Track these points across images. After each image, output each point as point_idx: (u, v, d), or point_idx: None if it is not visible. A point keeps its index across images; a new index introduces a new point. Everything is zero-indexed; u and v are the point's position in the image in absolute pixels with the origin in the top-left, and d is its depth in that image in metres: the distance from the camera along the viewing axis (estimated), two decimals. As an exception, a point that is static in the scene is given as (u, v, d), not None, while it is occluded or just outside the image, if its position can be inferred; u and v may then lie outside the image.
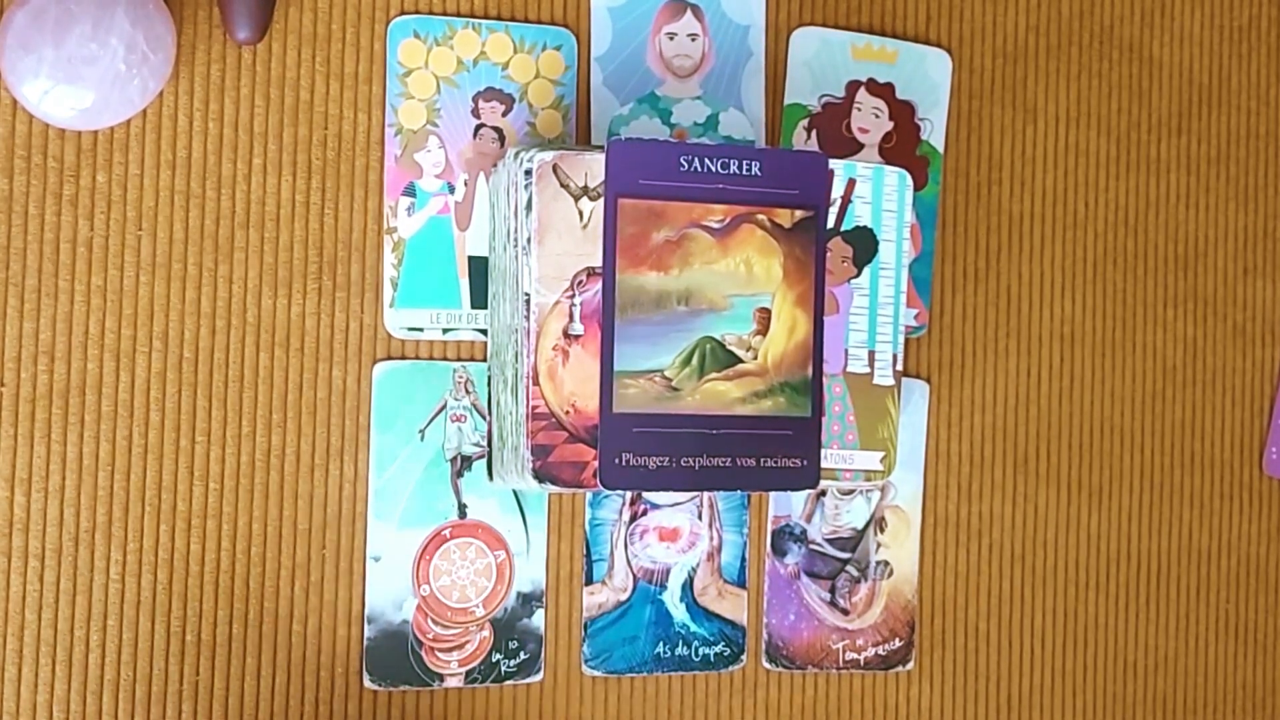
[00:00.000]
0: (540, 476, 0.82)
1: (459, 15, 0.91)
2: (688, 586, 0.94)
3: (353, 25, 0.90)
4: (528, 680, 0.92)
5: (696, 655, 0.94)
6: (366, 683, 0.89)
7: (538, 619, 0.92)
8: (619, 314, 0.83)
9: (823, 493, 0.96)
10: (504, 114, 0.92)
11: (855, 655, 0.97)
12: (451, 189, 0.91)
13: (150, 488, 0.86)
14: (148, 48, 0.81)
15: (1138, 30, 1.03)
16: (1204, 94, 1.04)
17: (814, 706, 0.97)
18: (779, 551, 0.96)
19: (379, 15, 0.90)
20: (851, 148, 0.97)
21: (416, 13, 0.91)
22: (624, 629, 0.93)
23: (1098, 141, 1.02)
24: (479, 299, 0.91)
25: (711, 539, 0.95)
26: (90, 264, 0.86)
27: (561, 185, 0.82)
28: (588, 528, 0.93)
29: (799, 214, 0.86)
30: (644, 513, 0.94)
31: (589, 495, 0.93)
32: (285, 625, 0.88)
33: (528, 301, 0.82)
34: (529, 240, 0.82)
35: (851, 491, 0.97)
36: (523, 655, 0.92)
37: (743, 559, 0.95)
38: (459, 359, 0.91)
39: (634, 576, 0.93)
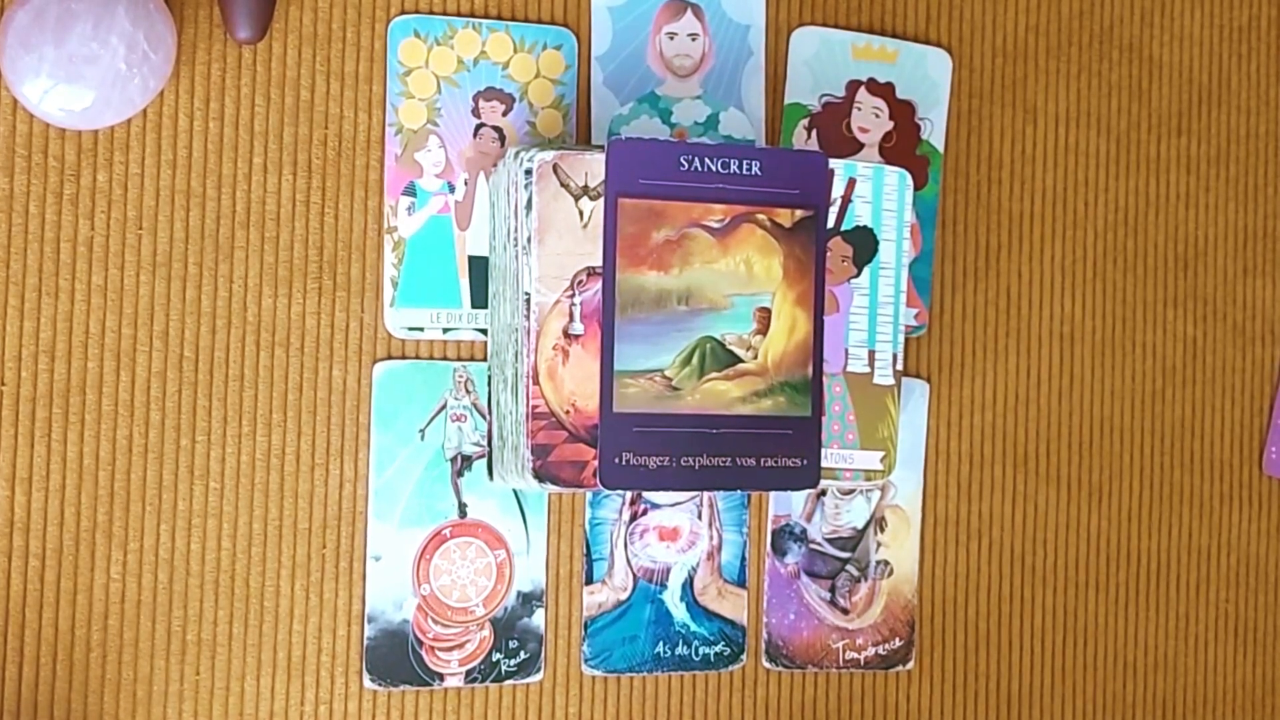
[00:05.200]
0: (540, 476, 0.82)
1: (459, 15, 0.91)
2: (688, 586, 0.94)
3: (353, 25, 0.90)
4: (528, 680, 0.92)
5: (696, 655, 0.94)
6: (366, 682, 0.89)
7: (538, 618, 0.92)
8: (619, 313, 0.83)
9: (823, 492, 0.96)
10: (504, 113, 0.92)
11: (855, 655, 0.97)
12: (452, 188, 0.91)
13: (150, 487, 0.86)
14: (148, 47, 0.81)
15: (1138, 30, 1.03)
16: (1204, 94, 1.04)
17: (814, 706, 0.97)
18: (779, 551, 0.96)
19: (379, 15, 0.90)
20: (852, 147, 0.97)
21: (417, 12, 0.91)
22: (624, 628, 0.93)
23: (1098, 141, 1.02)
24: (479, 298, 0.91)
25: (711, 538, 0.95)
26: (90, 263, 0.86)
27: (562, 185, 0.82)
28: (588, 527, 0.93)
29: (799, 213, 0.86)
30: (644, 512, 0.94)
31: (589, 495, 0.93)
32: (285, 625, 0.88)
33: (528, 301, 0.82)
34: (529, 240, 0.82)
35: (851, 491, 0.97)
36: (523, 655, 0.92)
37: (743, 558, 0.95)
38: (459, 359, 0.91)
39: (634, 576, 0.93)
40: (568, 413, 0.82)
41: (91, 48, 0.80)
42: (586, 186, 0.83)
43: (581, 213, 0.83)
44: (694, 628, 0.94)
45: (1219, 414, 1.04)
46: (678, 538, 0.94)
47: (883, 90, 0.98)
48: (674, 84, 0.94)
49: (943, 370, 0.99)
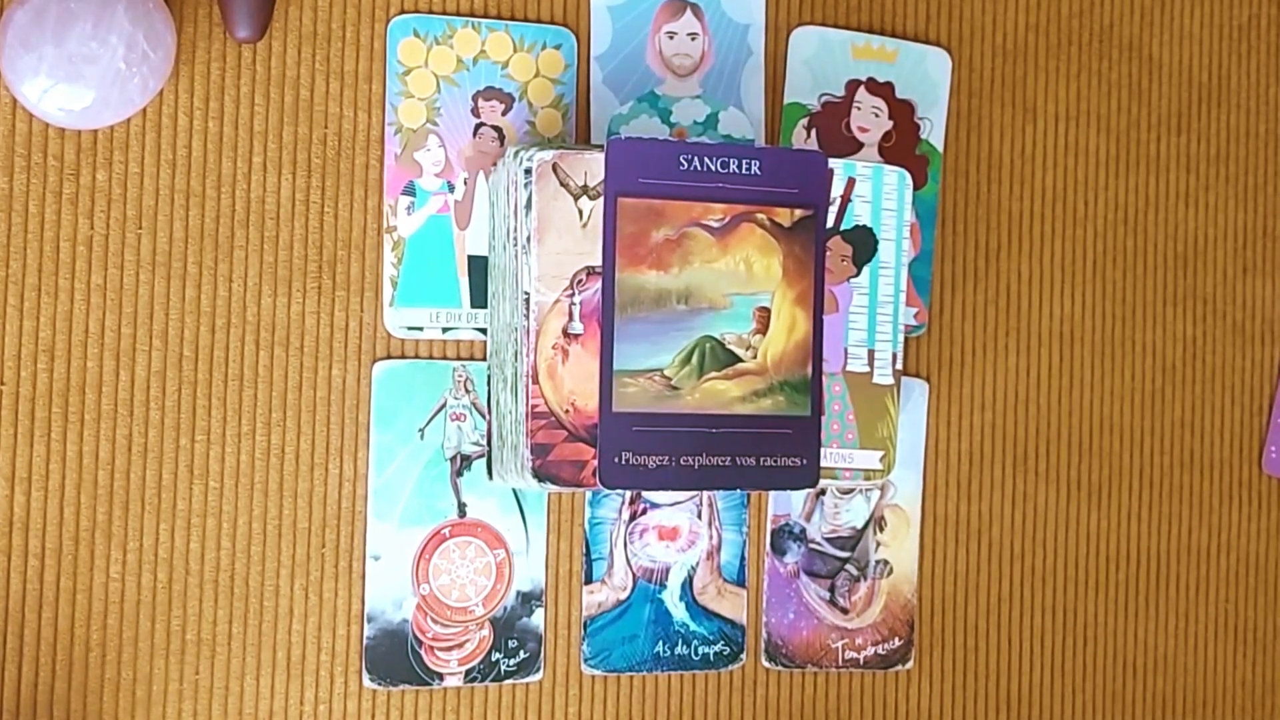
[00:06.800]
0: (540, 475, 0.82)
1: (459, 14, 0.91)
2: (687, 585, 0.94)
3: (353, 24, 0.90)
4: (527, 679, 0.92)
5: (696, 654, 0.94)
6: (366, 682, 0.89)
7: (537, 618, 0.92)
8: (619, 313, 0.83)
9: (822, 492, 0.96)
10: (504, 113, 0.92)
11: (855, 654, 0.97)
12: (451, 188, 0.91)
13: (150, 487, 0.86)
14: (148, 46, 0.81)
15: (1137, 29, 1.03)
16: (1204, 93, 1.04)
17: (813, 705, 0.97)
18: (778, 550, 0.96)
19: (379, 14, 0.90)
20: (851, 147, 0.97)
21: (416, 11, 0.91)
22: (623, 628, 0.93)
23: (1097, 140, 1.02)
24: (479, 298, 0.91)
25: (711, 538, 0.95)
26: (90, 262, 0.86)
27: (561, 184, 0.82)
28: (587, 527, 0.93)
29: (799, 213, 0.86)
30: (643, 512, 0.94)
31: (588, 494, 0.93)
32: (285, 625, 0.88)
33: (527, 300, 0.82)
34: (529, 239, 0.82)
35: (851, 490, 0.97)
36: (522, 654, 0.92)
37: (742, 558, 0.95)
38: (459, 358, 0.91)
39: (633, 575, 0.93)
40: (567, 412, 0.82)
41: (91, 47, 0.80)
42: (586, 186, 0.83)
43: (581, 212, 0.83)
44: (693, 627, 0.94)
45: (1219, 414, 1.04)
46: (677, 537, 0.94)
47: (882, 90, 0.98)
48: (674, 83, 0.94)
49: (943, 370, 0.99)
